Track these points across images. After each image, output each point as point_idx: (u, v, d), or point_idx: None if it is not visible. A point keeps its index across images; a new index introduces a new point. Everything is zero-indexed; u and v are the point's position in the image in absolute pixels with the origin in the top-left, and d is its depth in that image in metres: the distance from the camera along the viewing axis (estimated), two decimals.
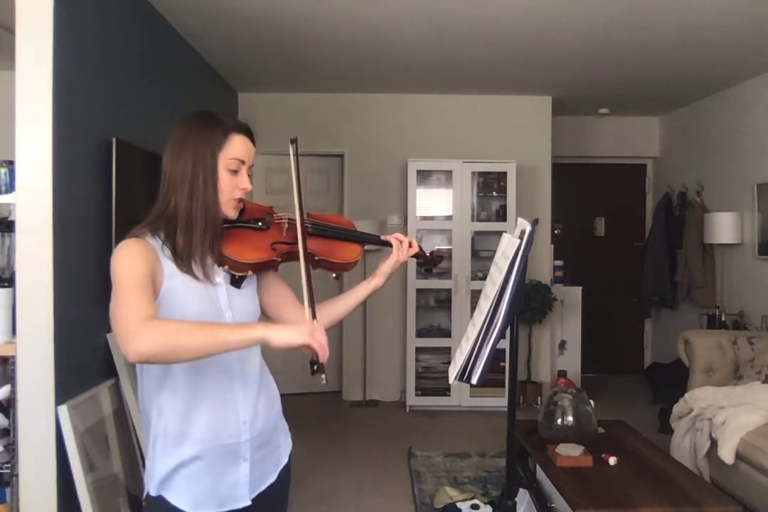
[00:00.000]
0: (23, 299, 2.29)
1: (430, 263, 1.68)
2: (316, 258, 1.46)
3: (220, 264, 1.38)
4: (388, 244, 1.57)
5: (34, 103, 2.29)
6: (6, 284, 2.34)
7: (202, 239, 1.33)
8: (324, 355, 1.21)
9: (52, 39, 2.30)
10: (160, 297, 1.30)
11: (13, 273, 2.34)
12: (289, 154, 1.45)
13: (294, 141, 1.46)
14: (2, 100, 2.64)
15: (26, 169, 2.30)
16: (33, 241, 2.29)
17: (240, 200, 1.40)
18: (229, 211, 1.38)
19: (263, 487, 1.45)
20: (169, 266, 1.32)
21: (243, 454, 1.38)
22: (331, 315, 1.55)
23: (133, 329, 1.13)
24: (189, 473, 1.34)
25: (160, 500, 1.34)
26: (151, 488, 1.35)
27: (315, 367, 1.22)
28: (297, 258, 1.39)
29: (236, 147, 1.37)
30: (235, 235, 1.39)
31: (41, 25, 2.30)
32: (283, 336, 1.18)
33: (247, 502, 1.40)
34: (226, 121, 1.38)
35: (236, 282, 1.43)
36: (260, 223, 1.42)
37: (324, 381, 1.22)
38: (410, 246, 1.57)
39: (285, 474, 1.52)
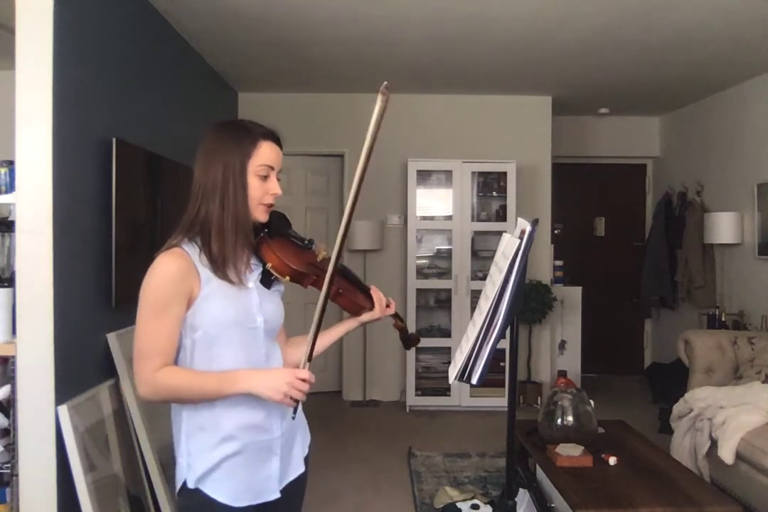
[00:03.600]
0: (23, 299, 2.29)
1: (407, 340, 1.79)
2: (340, 290, 1.55)
3: (266, 261, 1.45)
4: (370, 296, 1.65)
5: (34, 103, 2.29)
6: (6, 284, 2.34)
7: (234, 245, 1.41)
8: (300, 399, 1.37)
9: (52, 39, 2.30)
10: (196, 304, 1.37)
11: (13, 273, 2.33)
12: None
13: (385, 93, 1.28)
14: (2, 100, 2.64)
15: (26, 169, 2.30)
16: (33, 240, 2.28)
17: (270, 205, 1.46)
18: (260, 216, 1.46)
19: (289, 479, 1.53)
20: (205, 273, 1.39)
21: (275, 450, 1.46)
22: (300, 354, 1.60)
23: (144, 375, 1.34)
24: (229, 467, 1.41)
25: (196, 492, 1.40)
26: (189, 481, 1.40)
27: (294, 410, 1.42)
28: (319, 286, 1.45)
29: (265, 154, 1.42)
30: (283, 242, 1.49)
31: (41, 25, 2.29)
32: (263, 391, 1.34)
33: (277, 494, 1.48)
34: (253, 129, 1.43)
35: (266, 282, 1.49)
36: (306, 242, 1.54)
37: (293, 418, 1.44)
38: (387, 306, 1.68)
39: (306, 465, 1.60)
